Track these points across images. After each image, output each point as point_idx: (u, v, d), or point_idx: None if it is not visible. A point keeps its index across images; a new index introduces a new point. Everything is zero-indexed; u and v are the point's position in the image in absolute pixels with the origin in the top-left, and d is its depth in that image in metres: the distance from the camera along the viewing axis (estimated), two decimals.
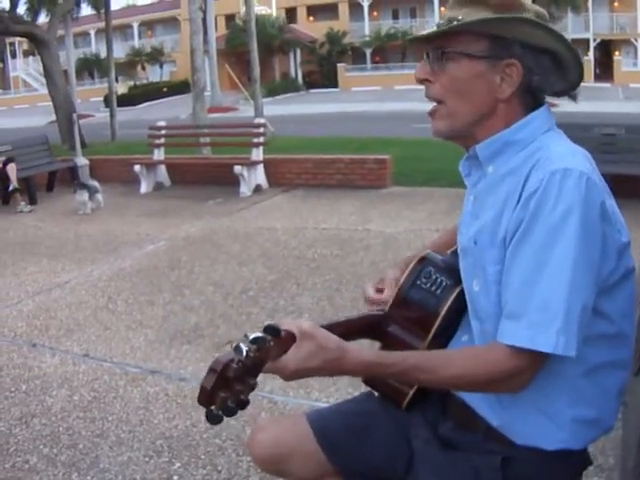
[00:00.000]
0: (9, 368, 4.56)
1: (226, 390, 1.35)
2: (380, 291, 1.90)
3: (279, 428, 1.95)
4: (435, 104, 1.65)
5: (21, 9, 22.99)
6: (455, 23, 1.55)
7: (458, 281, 1.73)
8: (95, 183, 10.07)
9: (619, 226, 1.54)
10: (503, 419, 1.64)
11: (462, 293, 1.71)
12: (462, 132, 1.65)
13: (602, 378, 1.60)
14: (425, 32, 1.63)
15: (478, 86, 1.58)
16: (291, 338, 1.48)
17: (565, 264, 1.43)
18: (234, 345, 1.37)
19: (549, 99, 1.66)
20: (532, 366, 1.49)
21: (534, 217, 1.46)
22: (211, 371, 1.35)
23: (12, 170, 10.32)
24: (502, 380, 1.51)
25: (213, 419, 1.36)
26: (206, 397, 1.35)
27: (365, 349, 1.56)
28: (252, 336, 1.38)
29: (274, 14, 48.67)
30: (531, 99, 1.62)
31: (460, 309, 1.73)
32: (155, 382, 4.25)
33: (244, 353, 1.35)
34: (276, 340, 1.43)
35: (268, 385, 3.95)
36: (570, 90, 1.69)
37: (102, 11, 25.01)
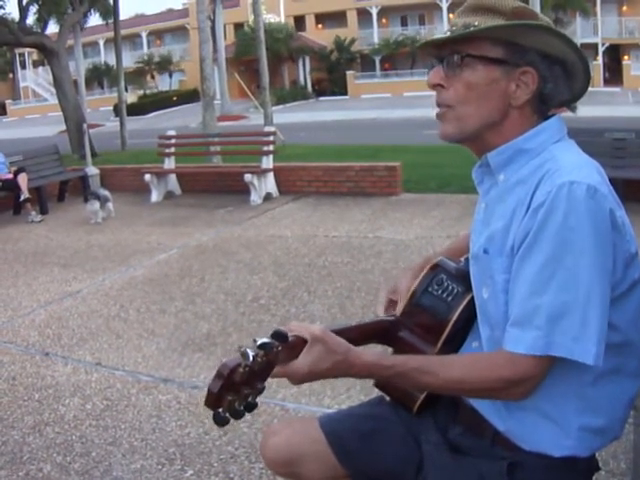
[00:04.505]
0: (22, 377, 4.58)
1: (233, 393, 1.36)
2: (394, 302, 1.90)
3: (291, 432, 1.96)
4: (444, 107, 1.64)
5: (30, 19, 23.14)
6: (472, 28, 1.54)
7: (469, 288, 1.74)
8: (106, 192, 10.11)
9: (628, 237, 1.54)
10: (510, 425, 1.64)
11: (473, 300, 1.72)
12: (471, 137, 1.64)
13: (610, 387, 1.60)
14: (443, 36, 1.61)
15: (492, 92, 1.58)
16: (301, 342, 1.50)
17: (576, 274, 1.43)
18: (242, 350, 1.38)
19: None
20: (535, 374, 1.50)
21: (541, 228, 1.46)
22: (218, 375, 1.36)
23: (23, 180, 10.37)
24: (505, 387, 1.51)
25: (220, 421, 1.38)
26: (213, 400, 1.36)
27: (369, 351, 1.56)
28: (260, 341, 1.39)
29: (283, 22, 48.78)
30: (544, 107, 1.62)
31: (470, 316, 1.73)
32: (167, 390, 4.26)
33: (251, 358, 1.36)
34: (284, 345, 1.44)
35: (280, 393, 3.93)
36: (573, 101, 1.70)
37: (111, 21, 25.14)
